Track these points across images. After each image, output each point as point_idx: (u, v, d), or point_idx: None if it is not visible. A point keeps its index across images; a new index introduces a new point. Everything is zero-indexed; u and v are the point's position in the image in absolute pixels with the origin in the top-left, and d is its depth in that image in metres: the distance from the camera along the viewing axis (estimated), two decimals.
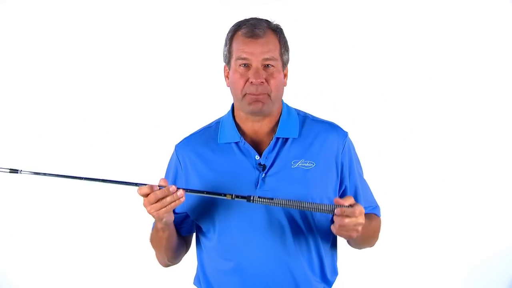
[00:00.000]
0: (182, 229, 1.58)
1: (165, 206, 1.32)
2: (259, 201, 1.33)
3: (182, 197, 1.32)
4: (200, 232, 1.58)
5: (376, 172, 2.86)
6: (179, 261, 1.64)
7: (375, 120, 2.99)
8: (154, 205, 1.31)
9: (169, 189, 1.30)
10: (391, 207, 2.86)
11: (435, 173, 3.00)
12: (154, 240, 1.53)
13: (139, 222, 1.72)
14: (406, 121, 3.01)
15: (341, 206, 1.30)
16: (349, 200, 1.31)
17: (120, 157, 2.93)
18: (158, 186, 1.32)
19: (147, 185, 1.31)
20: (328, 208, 1.31)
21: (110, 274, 2.99)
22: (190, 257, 1.66)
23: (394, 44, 3.00)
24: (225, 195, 1.34)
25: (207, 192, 1.39)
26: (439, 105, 3.00)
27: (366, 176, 1.63)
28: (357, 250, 1.64)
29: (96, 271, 3.01)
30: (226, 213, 1.48)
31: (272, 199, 1.34)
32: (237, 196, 1.34)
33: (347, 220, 1.28)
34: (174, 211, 1.45)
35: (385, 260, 2.87)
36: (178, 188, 1.32)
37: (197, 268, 1.63)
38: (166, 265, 1.63)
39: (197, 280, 1.62)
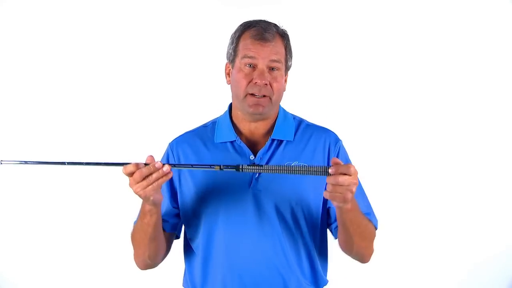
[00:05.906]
0: (167, 224, 1.54)
1: (152, 183, 1.27)
2: (248, 169, 1.30)
3: (168, 172, 1.28)
4: (188, 236, 1.57)
5: (375, 173, 2.88)
6: (158, 263, 1.57)
7: (372, 123, 3.00)
8: (140, 183, 1.27)
9: (154, 165, 1.27)
10: (390, 209, 2.88)
11: (435, 173, 3.01)
12: (138, 230, 1.46)
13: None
14: (405, 122, 3.02)
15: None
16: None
17: (114, 156, 2.91)
18: (144, 163, 1.29)
19: (132, 163, 1.28)
20: (321, 169, 1.26)
21: (104, 273, 2.95)
22: (179, 259, 1.63)
23: (389, 48, 3.02)
24: (213, 166, 1.31)
25: (194, 165, 1.37)
26: (437, 106, 3.02)
27: (365, 179, 1.61)
28: (355, 257, 1.57)
29: (88, 271, 2.98)
30: (215, 216, 1.48)
31: (262, 166, 1.31)
32: (226, 167, 1.30)
33: (341, 179, 1.22)
34: (163, 203, 1.44)
35: (384, 260, 2.84)
36: (164, 164, 1.28)
37: (184, 271, 1.61)
38: (145, 265, 1.54)
39: (185, 282, 1.60)
